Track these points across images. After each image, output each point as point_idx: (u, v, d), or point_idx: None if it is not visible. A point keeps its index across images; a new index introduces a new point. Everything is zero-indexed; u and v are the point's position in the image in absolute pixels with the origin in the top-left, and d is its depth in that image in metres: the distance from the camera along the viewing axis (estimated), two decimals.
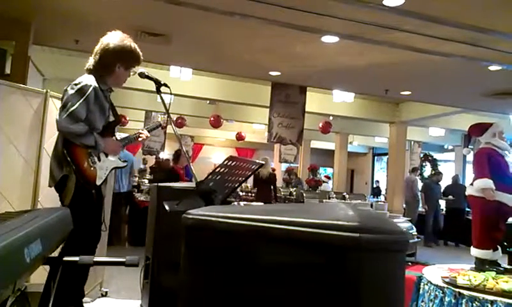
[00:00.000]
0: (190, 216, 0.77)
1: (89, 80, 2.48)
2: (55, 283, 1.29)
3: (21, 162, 3.19)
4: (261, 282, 0.72)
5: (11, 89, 3.32)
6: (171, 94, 2.51)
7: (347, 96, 8.36)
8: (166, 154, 11.67)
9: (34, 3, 4.91)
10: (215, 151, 18.75)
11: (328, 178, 12.59)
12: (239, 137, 14.22)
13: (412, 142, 13.42)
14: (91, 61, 2.57)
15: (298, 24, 4.68)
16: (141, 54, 2.66)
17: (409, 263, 3.88)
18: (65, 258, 1.35)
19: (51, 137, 2.52)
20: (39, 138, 3.25)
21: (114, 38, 2.57)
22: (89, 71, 2.55)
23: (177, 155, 7.09)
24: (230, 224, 0.70)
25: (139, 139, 2.83)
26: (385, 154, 15.01)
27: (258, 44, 5.73)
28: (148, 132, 2.85)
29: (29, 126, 3.26)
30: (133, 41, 2.65)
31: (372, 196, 15.50)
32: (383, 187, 15.91)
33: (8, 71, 5.35)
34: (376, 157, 19.65)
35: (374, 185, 17.94)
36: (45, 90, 3.41)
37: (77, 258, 1.35)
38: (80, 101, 2.40)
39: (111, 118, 2.69)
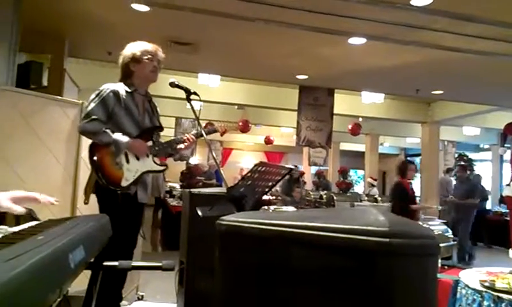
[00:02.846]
0: (224, 222, 0.80)
1: (109, 85, 2.58)
2: (97, 287, 1.34)
3: (60, 171, 3.34)
4: (293, 287, 0.74)
5: (49, 101, 3.49)
6: (200, 101, 2.56)
7: (377, 97, 8.25)
8: (196, 160, 11.85)
9: (68, 18, 5.13)
10: (244, 156, 18.86)
11: (375, 179, 11.66)
12: (268, 141, 14.25)
13: (446, 142, 13.05)
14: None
15: (325, 27, 4.67)
16: (149, 45, 2.69)
17: (446, 267, 3.79)
18: (105, 263, 1.41)
19: (88, 145, 2.61)
20: (76, 147, 3.39)
21: (125, 48, 2.71)
22: (119, 81, 2.67)
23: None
24: (263, 230, 0.73)
25: (184, 144, 2.75)
26: (418, 155, 14.65)
27: (285, 48, 5.76)
28: (206, 134, 2.63)
29: (67, 136, 3.41)
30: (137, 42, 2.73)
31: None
32: (416, 188, 15.51)
33: (45, 83, 5.60)
34: (408, 158, 19.20)
35: None
36: (80, 101, 3.55)
37: (116, 263, 1.41)
38: (96, 102, 2.50)
39: (148, 123, 2.70)
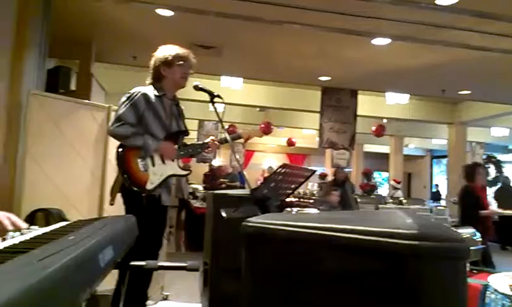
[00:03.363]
0: (250, 224, 0.81)
1: (140, 88, 2.63)
2: (124, 286, 1.37)
3: (88, 173, 3.43)
4: (321, 289, 0.74)
5: (78, 105, 3.59)
6: (224, 103, 2.58)
7: (401, 97, 8.12)
8: (219, 162, 11.92)
9: (95, 24, 5.26)
10: (266, 158, 18.86)
11: (398, 182, 11.34)
12: (290, 143, 14.22)
13: (473, 144, 12.71)
14: (147, 79, 2.74)
15: (348, 28, 4.64)
16: (183, 50, 2.71)
17: (474, 271, 3.69)
18: (132, 263, 1.43)
19: (115, 148, 2.67)
20: (103, 150, 3.48)
21: (157, 50, 2.73)
22: (149, 84, 2.71)
23: None
24: (291, 232, 0.73)
25: (207, 150, 2.80)
26: (444, 156, 14.33)
27: (307, 50, 5.74)
28: (231, 140, 2.63)
29: (94, 138, 3.50)
30: (170, 45, 2.74)
31: (431, 201, 14.82)
32: (442, 191, 15.18)
33: (73, 87, 5.76)
34: (434, 160, 18.81)
35: (433, 189, 17.17)
36: (107, 105, 3.63)
37: (143, 263, 1.43)
38: (127, 106, 2.55)
39: (175, 127, 2.73)
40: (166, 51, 2.70)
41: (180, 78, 2.71)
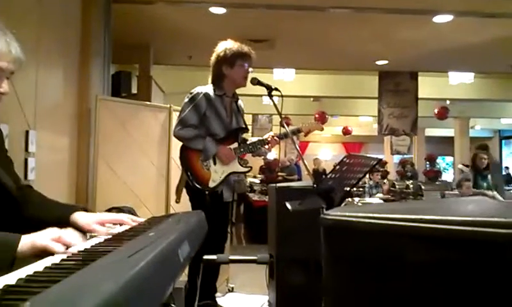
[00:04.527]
0: (329, 217, 0.80)
1: (201, 88, 2.68)
2: (199, 279, 1.42)
3: (154, 172, 3.58)
4: (406, 282, 0.71)
5: (141, 107, 3.76)
6: (281, 97, 2.57)
7: (466, 76, 7.64)
8: (274, 155, 11.94)
9: (152, 28, 5.45)
10: (321, 148, 18.62)
11: (467, 166, 10.57)
12: (346, 131, 13.92)
13: None
14: (210, 77, 2.78)
15: (406, 8, 4.43)
16: (243, 47, 2.71)
17: None
18: (205, 257, 1.47)
19: (177, 147, 2.77)
20: (167, 149, 3.61)
21: (218, 46, 2.73)
22: (211, 82, 2.76)
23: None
24: (372, 224, 0.71)
25: (267, 146, 2.79)
26: None
27: (362, 34, 5.57)
28: (292, 134, 2.65)
29: (158, 138, 3.64)
30: (232, 42, 2.73)
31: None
32: None
33: (134, 91, 6.04)
34: (503, 141, 17.56)
35: (504, 172, 16.06)
36: (168, 105, 3.77)
37: (215, 257, 1.46)
38: (190, 107, 2.63)
39: (235, 124, 2.77)
40: (228, 49, 2.70)
41: (242, 78, 2.73)
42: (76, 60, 3.57)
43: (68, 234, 1.05)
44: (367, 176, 11.14)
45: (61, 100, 3.24)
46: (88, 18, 3.75)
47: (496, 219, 0.60)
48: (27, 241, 0.97)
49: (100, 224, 1.24)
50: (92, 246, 1.10)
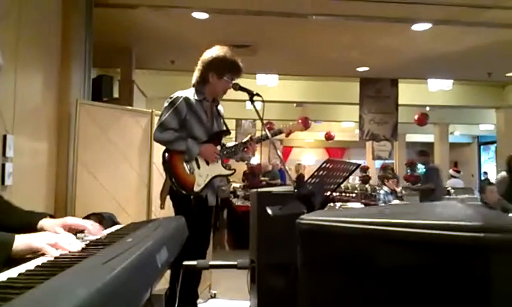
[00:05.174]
0: (305, 221, 0.81)
1: (181, 92, 2.67)
2: (179, 285, 1.41)
3: (135, 177, 3.55)
4: (380, 285, 0.73)
5: (122, 112, 3.73)
6: (263, 102, 2.58)
7: (445, 83, 7.82)
8: (257, 160, 11.95)
9: (134, 32, 5.42)
10: (304, 153, 18.73)
11: (458, 171, 10.65)
12: (328, 137, 14.05)
13: None
14: (194, 75, 2.76)
15: (385, 16, 4.52)
16: (238, 64, 2.68)
17: None
18: (185, 262, 1.47)
19: (159, 152, 2.75)
20: (149, 153, 3.58)
21: (211, 50, 2.72)
22: (193, 85, 2.75)
23: None
24: (347, 228, 0.73)
25: (247, 150, 2.78)
26: (493, 142, 13.68)
27: (343, 41, 5.64)
28: (272, 136, 2.63)
29: (139, 143, 3.61)
30: (231, 53, 2.70)
31: (480, 190, 14.12)
32: (492, 178, 14.48)
33: (116, 95, 5.98)
34: (482, 147, 17.97)
35: (482, 177, 16.42)
36: (150, 110, 3.74)
37: (195, 262, 1.46)
38: (170, 111, 2.61)
39: (216, 128, 2.76)
40: (221, 59, 2.66)
41: (223, 91, 2.74)
42: (56, 64, 3.52)
43: (65, 239, 1.10)
44: (357, 180, 11.25)
45: (41, 104, 3.19)
46: (69, 22, 3.70)
47: (462, 223, 0.62)
48: (22, 241, 1.03)
49: (63, 227, 1.27)
50: (69, 252, 1.09)
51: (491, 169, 15.42)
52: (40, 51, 3.19)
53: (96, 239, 1.28)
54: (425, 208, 0.93)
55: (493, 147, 15.39)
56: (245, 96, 2.60)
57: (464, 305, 0.67)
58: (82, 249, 1.13)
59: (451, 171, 10.52)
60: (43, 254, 1.02)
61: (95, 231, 1.29)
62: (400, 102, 7.66)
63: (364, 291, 0.73)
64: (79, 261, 0.94)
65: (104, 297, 0.69)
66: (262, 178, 9.20)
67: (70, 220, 1.32)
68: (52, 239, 1.06)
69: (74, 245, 1.12)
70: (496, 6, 4.21)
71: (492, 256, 0.63)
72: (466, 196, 7.41)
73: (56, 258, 1.02)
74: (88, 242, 1.21)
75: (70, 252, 1.08)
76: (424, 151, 7.24)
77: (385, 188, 6.42)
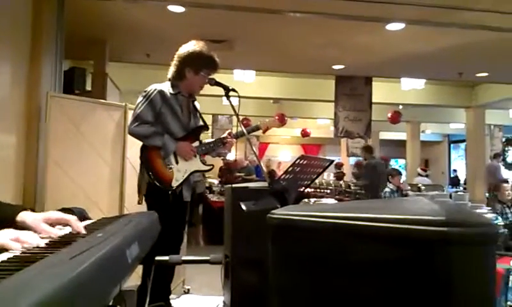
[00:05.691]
0: (275, 216, 0.81)
1: (156, 85, 2.63)
2: (150, 280, 1.39)
3: (107, 172, 3.48)
4: (348, 279, 0.74)
5: (95, 105, 3.64)
6: (239, 97, 2.57)
7: (417, 82, 8.00)
8: (234, 155, 11.95)
9: (108, 24, 5.30)
10: (281, 150, 18.84)
11: (424, 170, 10.93)
12: (304, 133, 14.18)
13: (492, 127, 12.46)
14: (170, 69, 2.72)
15: (361, 15, 4.58)
16: (214, 59, 2.67)
17: (497, 255, 3.62)
18: (157, 258, 1.45)
19: (133, 146, 2.71)
20: (122, 148, 3.52)
21: (187, 45, 2.69)
22: (168, 79, 2.71)
23: None
24: (316, 223, 0.74)
25: (226, 144, 2.77)
26: (462, 141, 14.10)
27: (320, 39, 5.69)
28: (248, 133, 2.64)
29: (112, 137, 3.54)
30: (208, 48, 2.69)
31: (450, 186, 14.59)
32: (461, 176, 14.95)
33: (88, 88, 5.84)
34: (452, 145, 18.52)
35: (452, 175, 16.92)
36: (123, 103, 3.67)
37: (167, 258, 1.45)
38: (145, 104, 2.56)
39: (193, 124, 2.74)
40: (194, 51, 2.64)
41: (199, 87, 2.72)
42: (25, 55, 3.41)
43: (26, 235, 1.05)
44: (331, 176, 11.36)
45: (8, 97, 3.09)
46: (39, 12, 3.59)
47: (426, 218, 0.64)
48: None
49: (46, 222, 1.21)
50: (34, 248, 1.06)
51: (460, 166, 15.91)
52: (8, 42, 3.09)
53: (65, 234, 1.25)
54: (394, 203, 0.95)
55: (462, 145, 15.87)
56: (221, 91, 2.59)
57: (429, 297, 0.69)
58: (50, 243, 1.10)
59: (419, 170, 10.83)
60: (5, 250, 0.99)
61: (77, 227, 1.22)
62: (374, 100, 7.79)
63: (333, 286, 0.74)
64: (45, 256, 0.92)
65: (69, 292, 0.68)
66: (238, 174, 9.20)
67: (52, 214, 1.25)
68: (14, 234, 1.02)
69: (38, 240, 1.08)
70: (467, 8, 4.33)
71: (454, 249, 0.65)
72: (436, 192, 7.59)
73: (22, 253, 0.99)
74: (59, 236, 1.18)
75: (37, 247, 1.05)
76: (367, 147, 7.33)
77: (390, 186, 6.17)
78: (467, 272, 0.67)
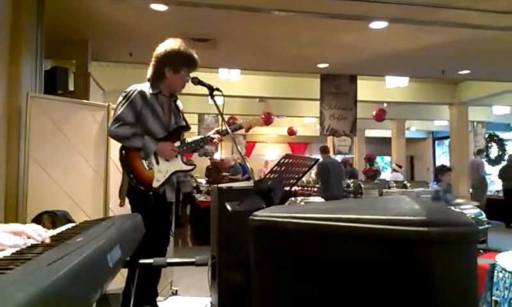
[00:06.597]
0: (257, 217, 0.81)
1: (136, 86, 2.59)
2: (134, 284, 1.37)
3: (91, 173, 3.43)
4: (330, 279, 0.74)
5: (77, 105, 3.58)
6: (223, 96, 2.55)
7: (401, 80, 8.07)
8: (220, 155, 11.91)
9: (90, 23, 5.22)
10: (268, 148, 18.85)
11: (400, 166, 11.14)
12: (291, 132, 14.20)
13: (475, 123, 12.67)
14: (148, 70, 2.69)
15: (344, 13, 4.60)
16: (193, 56, 2.65)
17: (481, 251, 3.69)
18: (141, 261, 1.44)
19: (116, 146, 2.67)
20: (105, 149, 3.47)
21: (164, 44, 2.65)
22: (148, 80, 2.67)
23: None
24: (297, 224, 0.73)
25: (212, 142, 2.76)
26: (446, 138, 14.30)
27: (304, 38, 5.70)
28: (232, 131, 2.60)
29: (96, 138, 3.49)
30: (185, 45, 2.66)
31: (435, 183, 14.77)
32: None
33: (71, 88, 5.75)
34: (436, 142, 18.77)
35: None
36: (107, 103, 3.62)
37: (151, 260, 1.43)
38: (125, 105, 2.53)
39: (174, 124, 2.72)
40: (176, 53, 2.61)
41: (180, 86, 2.69)
42: (5, 55, 3.34)
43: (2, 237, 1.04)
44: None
45: None
46: (19, 10, 3.52)
47: (407, 218, 0.63)
48: None
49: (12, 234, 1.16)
50: (12, 253, 1.04)
51: (444, 162, 16.13)
52: None
53: (51, 235, 1.22)
54: (376, 203, 0.95)
55: (446, 142, 16.11)
56: (207, 90, 2.57)
57: (410, 297, 0.69)
58: (28, 249, 1.07)
59: (394, 166, 10.98)
60: None
61: (37, 236, 1.16)
62: (359, 98, 7.84)
63: (315, 286, 0.74)
64: (23, 263, 0.90)
65: (45, 300, 0.66)
66: (225, 173, 9.17)
67: (8, 227, 1.19)
68: None
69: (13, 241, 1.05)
70: (449, 6, 4.38)
71: (435, 249, 0.65)
72: (422, 189, 7.70)
73: None
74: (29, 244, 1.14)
75: (14, 253, 1.02)
76: (323, 147, 7.43)
77: (441, 184, 5.67)
78: (448, 271, 0.68)
